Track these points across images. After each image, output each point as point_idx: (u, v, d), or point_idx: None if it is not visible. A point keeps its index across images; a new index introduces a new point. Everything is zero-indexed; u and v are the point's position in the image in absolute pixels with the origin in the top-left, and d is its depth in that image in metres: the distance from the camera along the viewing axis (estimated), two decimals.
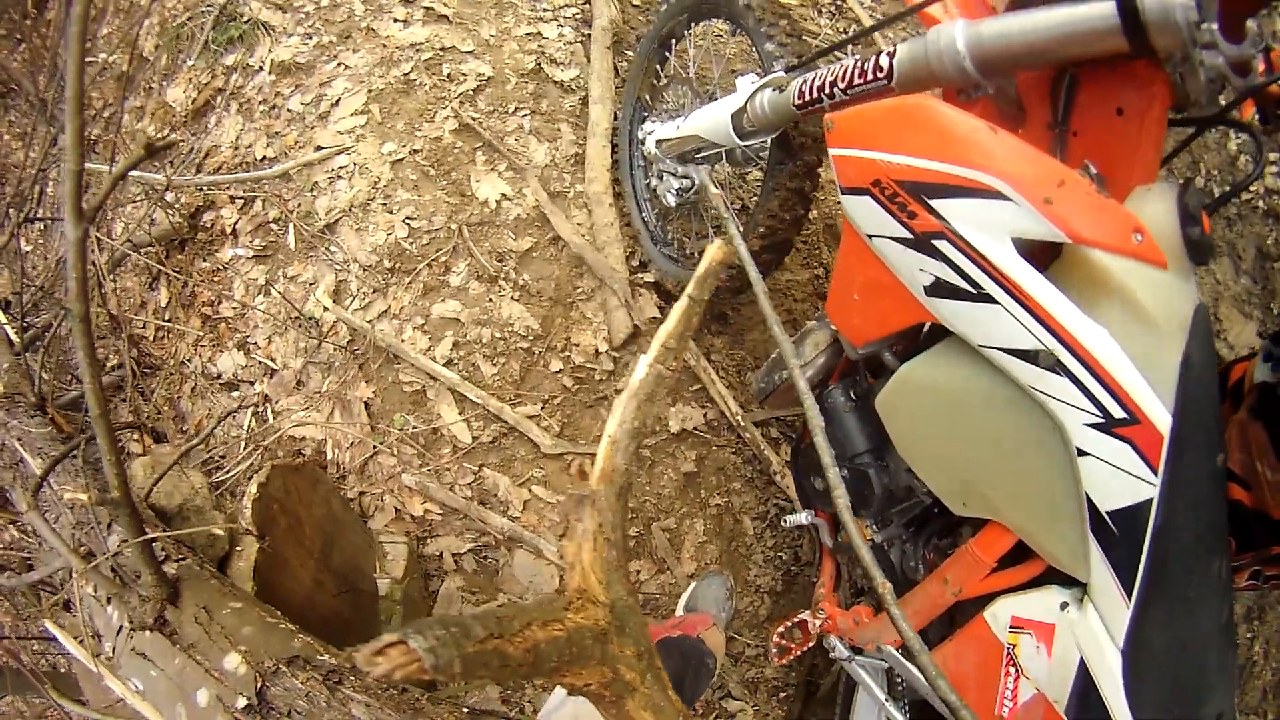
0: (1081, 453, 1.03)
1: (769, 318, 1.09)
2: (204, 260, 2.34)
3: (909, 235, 1.11)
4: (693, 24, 1.91)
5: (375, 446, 1.95)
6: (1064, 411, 1.03)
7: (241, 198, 2.30)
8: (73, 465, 1.58)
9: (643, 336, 2.01)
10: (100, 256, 2.37)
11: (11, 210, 2.22)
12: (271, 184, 2.25)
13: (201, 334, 2.29)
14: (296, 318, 2.12)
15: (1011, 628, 1.19)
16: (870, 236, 1.19)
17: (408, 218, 2.08)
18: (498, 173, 2.12)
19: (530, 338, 1.98)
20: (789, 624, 1.68)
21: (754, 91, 1.50)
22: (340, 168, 2.18)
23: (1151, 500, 1.00)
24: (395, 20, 2.37)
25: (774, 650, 1.72)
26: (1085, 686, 1.09)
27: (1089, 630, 1.09)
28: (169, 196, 2.36)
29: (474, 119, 2.18)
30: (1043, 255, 1.02)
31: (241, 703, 1.13)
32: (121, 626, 1.29)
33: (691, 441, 2.01)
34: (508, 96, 2.23)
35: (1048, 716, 1.14)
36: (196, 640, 1.22)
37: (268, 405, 2.12)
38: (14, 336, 2.00)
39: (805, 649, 1.65)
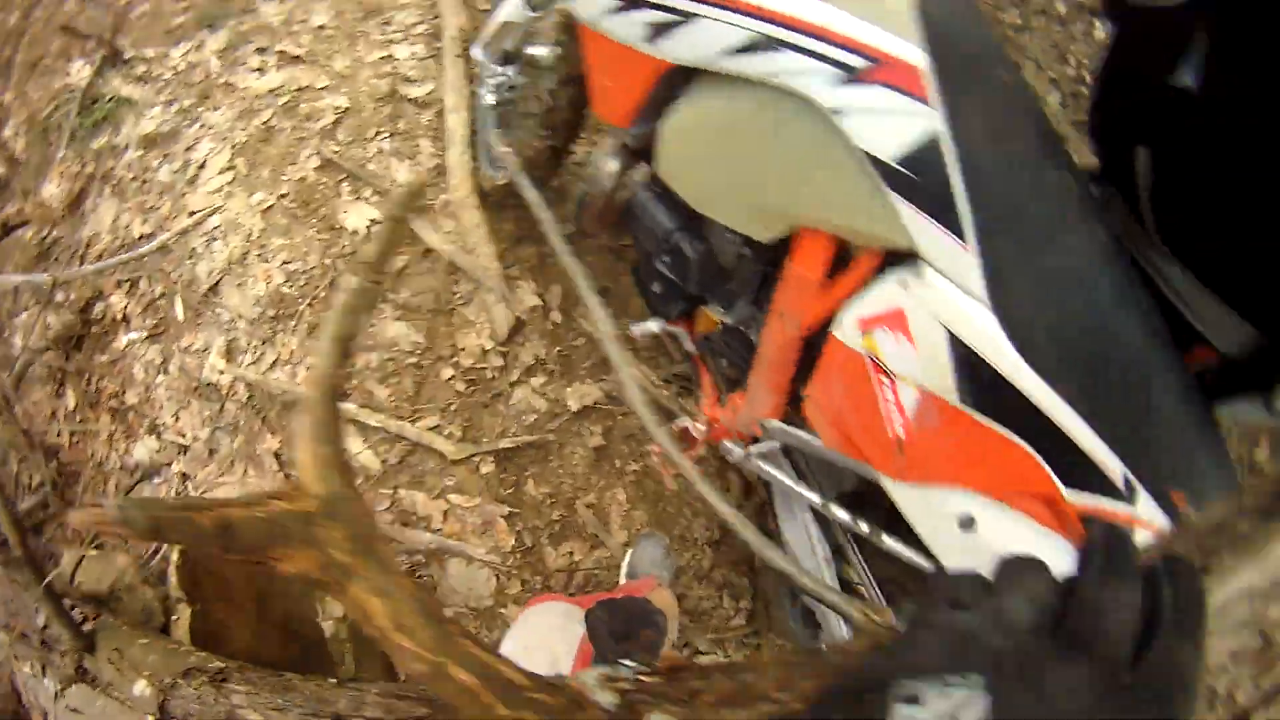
0: (837, 113, 1.00)
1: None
2: (101, 353, 2.28)
3: (617, 2, 1.24)
4: None
5: None
6: (803, 81, 1.01)
7: (127, 280, 2.25)
8: None
9: (526, 326, 1.96)
10: (3, 375, 2.32)
11: None
12: (153, 260, 2.19)
13: (114, 428, 2.23)
14: (196, 388, 2.06)
15: (863, 333, 1.10)
16: (594, 21, 1.31)
17: (283, 263, 2.03)
18: (364, 200, 2.07)
19: (418, 352, 1.92)
20: (673, 425, 1.69)
21: None
22: (215, 228, 2.13)
23: (937, 132, 0.95)
24: (251, 70, 2.33)
25: (655, 459, 1.86)
26: (964, 357, 1.00)
27: (938, 293, 1.01)
28: (59, 296, 2.31)
29: (335, 153, 2.13)
30: None
31: None
32: (56, 691, 1.32)
33: (595, 416, 1.98)
34: (365, 123, 2.19)
35: (944, 413, 1.03)
36: (112, 679, 1.26)
37: (187, 482, 2.06)
38: None
39: (693, 458, 1.62)
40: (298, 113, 2.22)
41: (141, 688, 1.25)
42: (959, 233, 0.97)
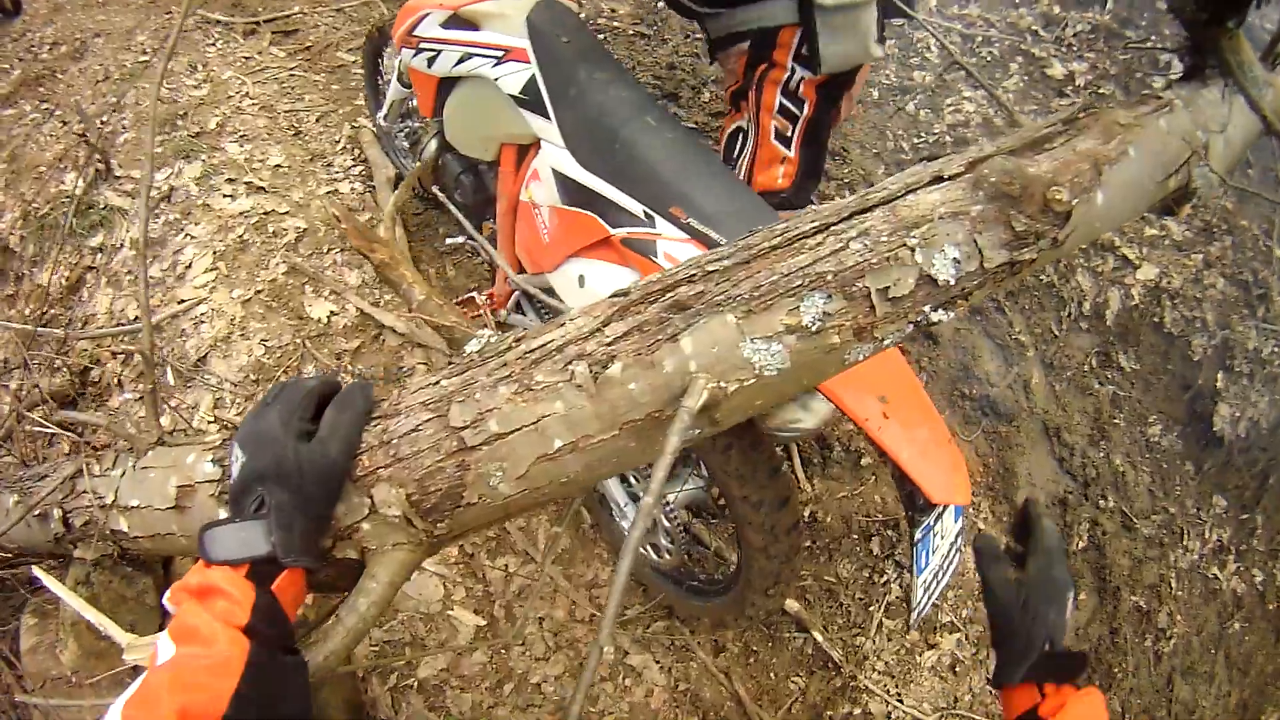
0: (495, 80, 2.01)
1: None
2: (96, 410, 2.92)
3: (411, 51, 2.25)
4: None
5: None
6: (483, 69, 2.03)
7: (121, 352, 2.90)
8: None
9: None
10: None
11: None
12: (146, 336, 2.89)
13: None
14: (185, 432, 2.76)
15: (525, 187, 2.10)
16: (409, 64, 2.36)
17: (262, 340, 2.77)
18: (324, 297, 2.87)
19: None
20: (461, 299, 2.69)
21: (400, 60, 2.56)
22: (201, 314, 2.84)
23: (535, 74, 1.93)
24: (224, 196, 3.09)
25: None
26: (559, 177, 1.92)
27: (547, 150, 1.96)
28: (56, 362, 2.95)
29: (299, 262, 2.93)
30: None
31: None
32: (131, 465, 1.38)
33: None
34: (321, 240, 2.99)
35: (556, 214, 1.95)
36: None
37: None
38: None
39: (476, 318, 2.55)
40: (266, 230, 2.99)
41: None
42: (547, 115, 1.91)
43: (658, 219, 1.68)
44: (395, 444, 0.89)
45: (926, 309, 0.83)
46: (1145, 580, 2.81)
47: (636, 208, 1.72)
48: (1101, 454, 2.98)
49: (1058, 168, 0.91)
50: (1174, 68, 3.75)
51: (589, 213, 1.82)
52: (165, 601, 0.78)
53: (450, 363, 0.95)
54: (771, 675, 2.37)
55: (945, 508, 1.57)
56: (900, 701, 2.40)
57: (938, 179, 0.88)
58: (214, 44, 3.74)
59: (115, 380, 2.89)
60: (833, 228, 0.84)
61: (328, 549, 0.89)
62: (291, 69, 3.62)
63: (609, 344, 0.85)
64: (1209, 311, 3.17)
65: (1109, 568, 2.79)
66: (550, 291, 2.14)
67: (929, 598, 1.63)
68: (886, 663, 2.45)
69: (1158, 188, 1.15)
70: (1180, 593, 2.83)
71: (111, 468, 1.35)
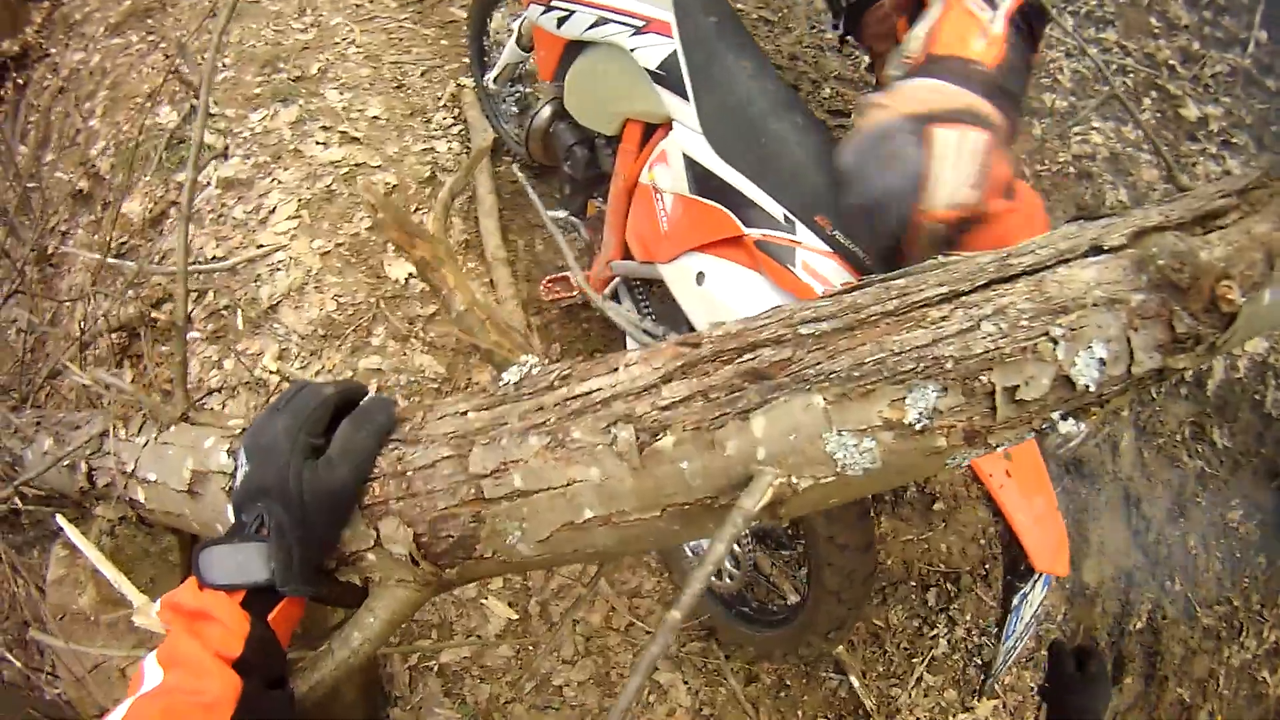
0: (632, 50, 1.85)
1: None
2: (163, 345, 2.84)
3: (541, 8, 2.09)
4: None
5: None
6: (618, 37, 1.89)
7: (195, 290, 2.82)
8: None
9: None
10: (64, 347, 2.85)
11: None
12: (221, 278, 2.79)
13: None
14: (247, 382, 2.65)
15: (649, 169, 1.95)
16: (535, 21, 2.17)
17: (335, 296, 2.66)
18: (404, 258, 2.72)
19: (439, 380, 2.56)
20: (555, 277, 2.60)
21: (522, 20, 2.52)
22: (279, 261, 2.74)
23: (676, 50, 1.78)
24: (317, 143, 2.98)
25: (543, 292, 2.60)
26: (691, 164, 1.79)
27: (680, 133, 1.83)
28: (130, 293, 2.88)
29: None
30: None
31: None
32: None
33: None
34: (410, 199, 2.86)
35: (682, 202, 1.83)
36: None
37: None
38: None
39: (570, 298, 2.55)
40: (355, 182, 2.88)
41: None
42: (685, 96, 1.77)
43: (799, 225, 1.59)
44: (410, 476, 0.82)
45: (1055, 416, 0.67)
46: (1195, 673, 2.64)
47: (777, 210, 1.62)
48: (1178, 532, 2.80)
49: (1231, 255, 0.70)
50: None
51: (721, 207, 1.72)
52: (155, 615, 0.77)
53: (483, 390, 0.88)
54: (799, 713, 2.26)
55: (1041, 576, 1.54)
56: None
57: (1095, 249, 0.69)
58: None
59: (186, 317, 2.79)
60: (963, 298, 0.67)
61: (330, 570, 0.85)
62: (401, 20, 3.51)
63: (664, 407, 0.72)
64: None
65: (1161, 654, 2.63)
66: (657, 283, 2.03)
67: (1004, 664, 1.62)
68: (918, 719, 2.32)
69: None
70: (1226, 691, 2.66)
71: (137, 434, 1.30)
